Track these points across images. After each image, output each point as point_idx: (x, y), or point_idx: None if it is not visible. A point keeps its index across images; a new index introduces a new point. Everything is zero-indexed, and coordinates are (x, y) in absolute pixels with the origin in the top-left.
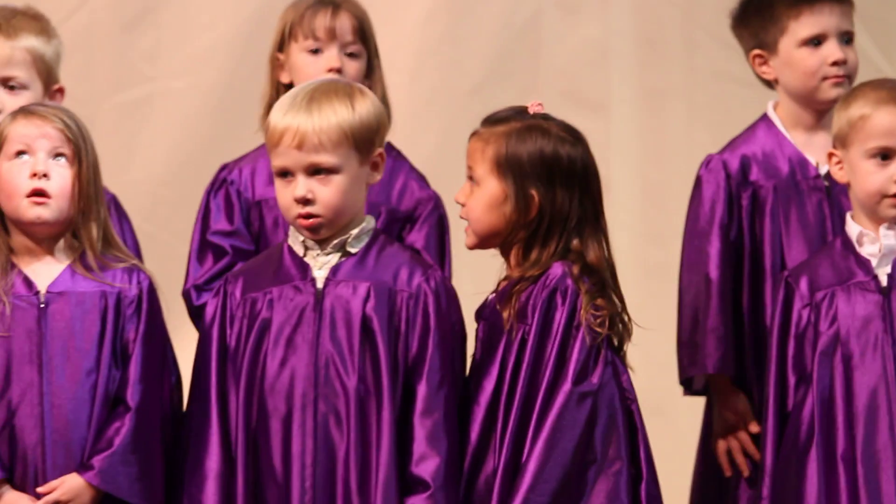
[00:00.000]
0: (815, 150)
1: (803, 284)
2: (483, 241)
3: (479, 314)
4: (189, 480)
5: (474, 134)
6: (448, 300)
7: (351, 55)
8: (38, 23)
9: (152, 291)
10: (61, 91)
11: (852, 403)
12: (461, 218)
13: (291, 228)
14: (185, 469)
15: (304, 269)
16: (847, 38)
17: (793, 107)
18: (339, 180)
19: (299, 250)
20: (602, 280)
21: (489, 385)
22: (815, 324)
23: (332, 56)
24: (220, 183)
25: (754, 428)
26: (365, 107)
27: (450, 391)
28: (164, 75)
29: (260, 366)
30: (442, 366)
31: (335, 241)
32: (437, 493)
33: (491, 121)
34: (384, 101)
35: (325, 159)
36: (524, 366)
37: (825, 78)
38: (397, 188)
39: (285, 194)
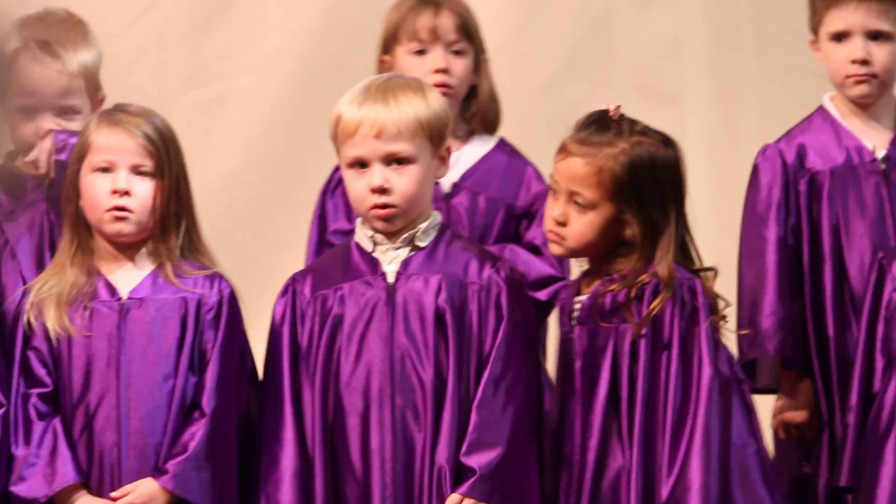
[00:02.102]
0: (871, 135)
1: (895, 267)
2: (575, 255)
3: (570, 315)
4: (265, 480)
5: (570, 153)
6: (518, 292)
7: (457, 53)
8: (82, 30)
9: (233, 299)
10: (102, 100)
11: None
12: (551, 231)
13: (359, 224)
14: (260, 469)
15: (373, 264)
16: (878, 36)
17: (843, 96)
18: (415, 170)
19: (367, 246)
20: (704, 271)
21: (602, 389)
22: None
23: (437, 56)
24: (336, 183)
25: (799, 417)
26: (437, 101)
27: (515, 383)
28: (236, 73)
29: (334, 363)
30: (507, 357)
31: (404, 236)
32: (485, 482)
33: (587, 136)
34: (492, 95)
35: (403, 148)
36: (642, 365)
37: (848, 76)
38: (515, 183)
39: (359, 185)
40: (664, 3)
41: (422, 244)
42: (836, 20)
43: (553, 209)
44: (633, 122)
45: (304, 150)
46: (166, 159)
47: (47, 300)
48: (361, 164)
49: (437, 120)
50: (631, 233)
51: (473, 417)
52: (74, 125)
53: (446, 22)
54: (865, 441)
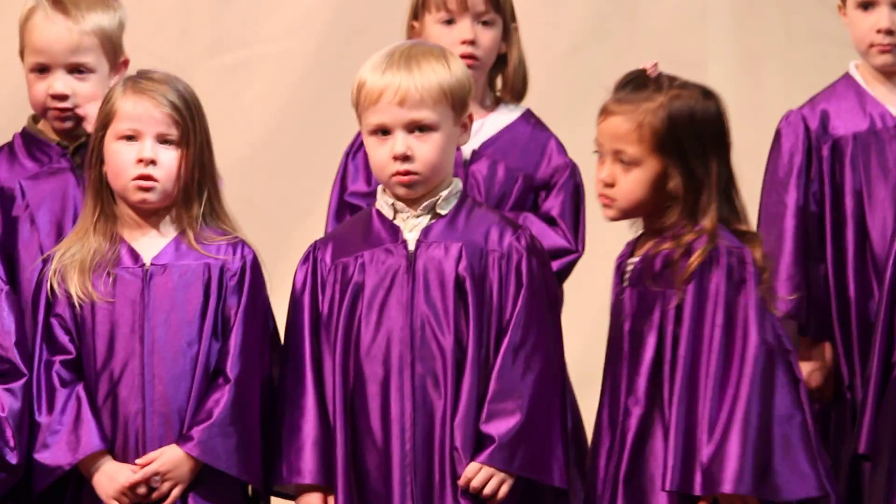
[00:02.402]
0: (895, 102)
1: None
2: (628, 216)
3: (623, 276)
4: (287, 447)
5: (611, 112)
6: (539, 259)
7: (485, 23)
8: None
9: (256, 265)
10: (126, 63)
11: None
12: (601, 195)
13: (379, 191)
14: (281, 437)
15: (394, 231)
16: None
17: (868, 64)
18: (438, 138)
19: (388, 213)
20: (752, 237)
21: (648, 353)
22: None
23: (465, 27)
24: (359, 146)
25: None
26: (460, 68)
27: (535, 350)
28: (261, 40)
29: (355, 330)
30: (526, 324)
31: (425, 203)
32: (504, 450)
33: (625, 95)
34: (521, 64)
35: (427, 116)
36: (685, 330)
37: (872, 45)
38: (536, 154)
39: (381, 152)
40: None
41: (443, 212)
42: None
43: (600, 172)
44: (671, 78)
45: (327, 117)
46: (191, 128)
47: (70, 266)
48: (384, 131)
49: (459, 87)
50: (673, 185)
51: (492, 385)
52: (87, 85)
53: None
54: (885, 408)
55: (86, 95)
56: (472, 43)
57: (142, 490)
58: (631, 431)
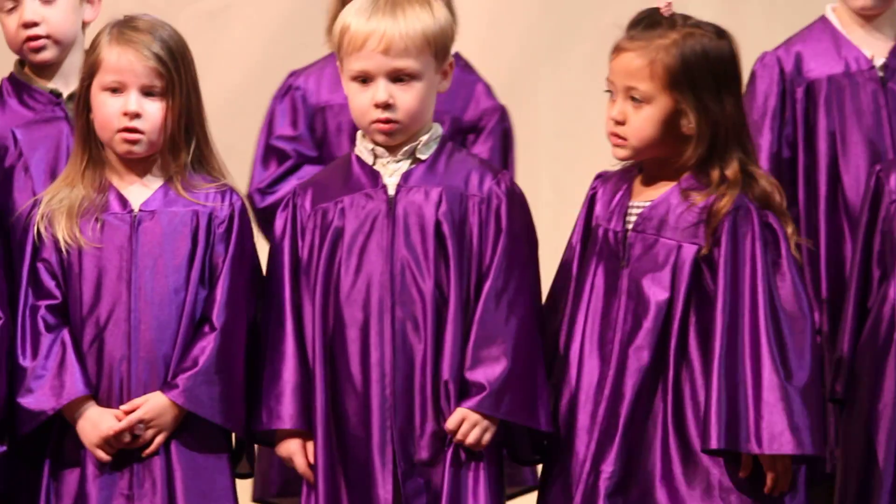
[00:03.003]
0: (871, 44)
1: (893, 179)
2: (640, 155)
3: (624, 219)
4: (267, 393)
5: (623, 49)
6: (519, 204)
7: None
8: None
9: (244, 212)
10: None
11: None
12: (613, 133)
13: (359, 136)
14: (262, 382)
15: (374, 176)
16: None
17: (846, 7)
18: (419, 87)
19: (368, 158)
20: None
21: (654, 306)
22: None
23: None
24: (287, 89)
25: None
26: (443, 14)
27: (517, 295)
28: None
29: (334, 275)
30: (507, 269)
31: (405, 148)
32: (492, 397)
33: (638, 32)
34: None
35: (410, 65)
36: (721, 291)
37: None
38: (463, 98)
39: (362, 98)
40: None
41: (423, 156)
42: None
43: (611, 110)
44: (685, 17)
45: (307, 62)
46: (177, 78)
47: (58, 211)
48: (365, 78)
49: (442, 35)
50: (688, 123)
51: (476, 331)
52: (56, 11)
53: None
54: (862, 354)
55: (55, 22)
56: None
57: (125, 438)
58: (632, 380)
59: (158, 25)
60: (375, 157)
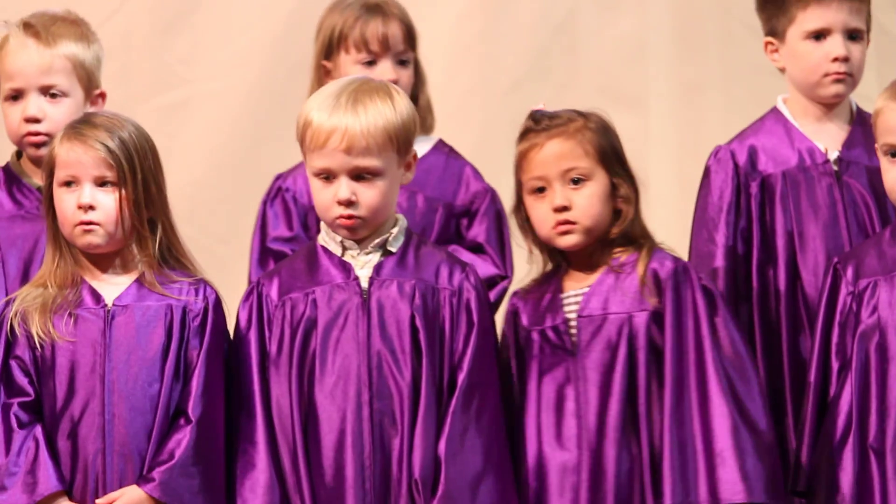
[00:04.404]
0: (823, 138)
1: (850, 271)
2: (591, 235)
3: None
4: (241, 483)
5: (541, 144)
6: (485, 297)
7: (402, 63)
8: (78, 28)
9: (218, 306)
10: (103, 96)
11: (885, 396)
12: (559, 224)
13: (324, 228)
14: (235, 475)
15: (345, 268)
16: (854, 36)
17: (800, 97)
18: (382, 184)
19: (336, 250)
20: None
21: (618, 381)
22: (857, 312)
23: (386, 68)
24: (276, 191)
25: None
26: (405, 107)
27: (488, 389)
28: (201, 78)
29: (307, 368)
30: (480, 365)
31: (376, 241)
32: (463, 496)
33: (544, 126)
34: (428, 103)
35: (372, 163)
36: (668, 347)
37: (826, 74)
38: (453, 184)
39: (325, 194)
40: (628, 5)
41: (393, 249)
42: (815, 18)
43: (552, 201)
44: (566, 109)
45: (267, 155)
46: (127, 167)
47: (32, 308)
48: (328, 175)
49: (404, 130)
50: (625, 193)
51: (450, 426)
52: (60, 110)
53: (395, 31)
54: (821, 447)
55: (58, 120)
56: (395, 83)
57: None
58: (611, 468)
59: (116, 119)
60: (344, 248)
